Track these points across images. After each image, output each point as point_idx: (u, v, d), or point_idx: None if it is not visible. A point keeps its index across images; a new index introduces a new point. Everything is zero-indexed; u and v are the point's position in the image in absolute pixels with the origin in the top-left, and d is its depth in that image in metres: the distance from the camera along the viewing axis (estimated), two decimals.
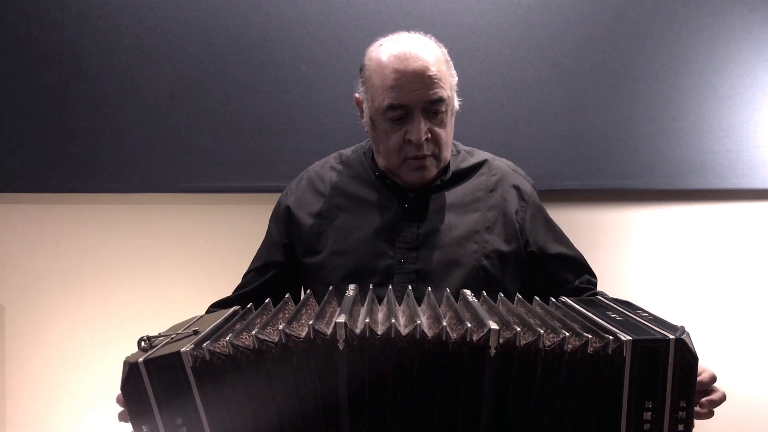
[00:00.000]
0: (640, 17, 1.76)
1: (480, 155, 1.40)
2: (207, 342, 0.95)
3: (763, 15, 1.76)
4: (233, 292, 1.40)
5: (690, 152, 1.78)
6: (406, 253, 1.26)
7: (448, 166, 1.34)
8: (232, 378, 0.94)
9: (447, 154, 1.31)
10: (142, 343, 1.02)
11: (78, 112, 1.76)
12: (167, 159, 1.76)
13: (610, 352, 0.91)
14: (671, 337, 0.92)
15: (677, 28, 1.77)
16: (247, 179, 1.77)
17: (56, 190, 1.79)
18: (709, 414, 1.03)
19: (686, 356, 0.92)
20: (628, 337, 0.91)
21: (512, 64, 1.76)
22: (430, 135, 1.23)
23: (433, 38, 1.28)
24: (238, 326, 1.02)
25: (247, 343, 0.94)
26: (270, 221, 1.42)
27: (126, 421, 1.03)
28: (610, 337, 0.92)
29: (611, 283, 1.82)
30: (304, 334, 0.93)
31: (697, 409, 1.00)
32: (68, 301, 1.83)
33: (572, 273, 1.37)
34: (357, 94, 1.32)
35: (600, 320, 1.00)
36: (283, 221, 1.37)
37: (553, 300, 1.13)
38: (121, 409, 1.05)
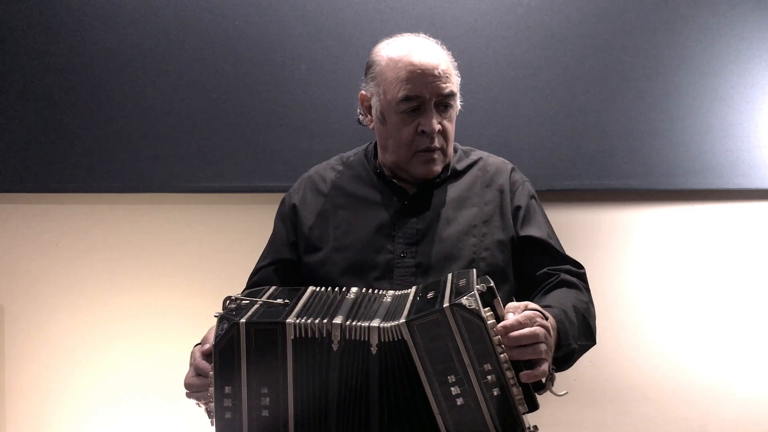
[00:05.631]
0: (640, 17, 1.76)
1: (476, 153, 1.43)
2: (305, 317, 0.96)
3: (763, 15, 1.76)
4: (245, 289, 1.39)
5: (690, 152, 1.77)
6: (406, 248, 1.28)
7: (448, 164, 1.36)
8: (325, 356, 0.96)
9: (452, 150, 1.35)
10: (228, 302, 1.00)
11: (78, 112, 1.76)
12: (167, 159, 1.76)
13: (395, 339, 0.94)
14: (445, 305, 0.91)
15: (677, 28, 1.77)
16: (247, 179, 1.77)
17: (56, 190, 1.79)
18: (541, 374, 0.97)
19: (468, 319, 0.91)
20: (400, 321, 0.93)
21: (512, 64, 1.76)
22: (440, 127, 1.28)
23: (438, 41, 1.32)
24: (325, 307, 1.03)
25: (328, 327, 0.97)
26: (276, 220, 1.43)
27: (193, 395, 1.05)
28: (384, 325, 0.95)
29: (611, 283, 1.82)
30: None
31: (525, 373, 0.95)
32: (68, 301, 1.83)
33: (541, 257, 1.32)
34: (363, 92, 1.34)
35: (408, 306, 1.00)
36: (289, 220, 1.39)
37: (401, 291, 1.13)
38: (192, 380, 1.06)
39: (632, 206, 1.84)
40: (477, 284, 0.97)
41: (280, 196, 1.44)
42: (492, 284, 0.98)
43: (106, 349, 1.82)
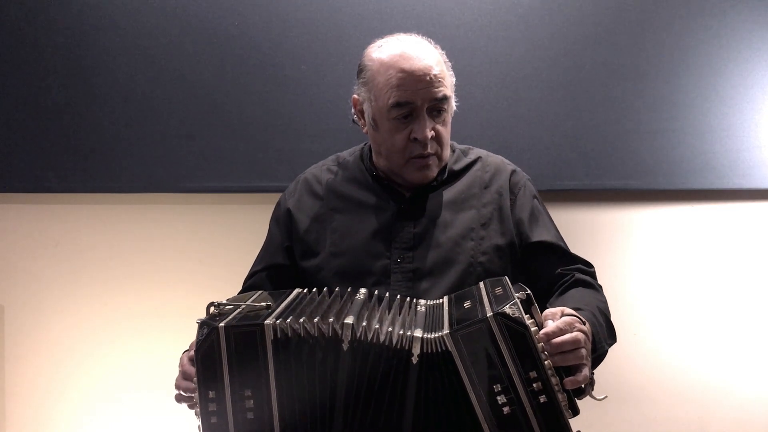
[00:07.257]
0: (640, 17, 1.76)
1: (474, 153, 1.41)
2: (288, 318, 0.96)
3: (763, 15, 1.76)
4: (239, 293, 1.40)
5: (690, 152, 1.77)
6: (403, 253, 1.27)
7: (445, 165, 1.34)
8: (306, 357, 0.96)
9: (447, 153, 1.32)
10: (212, 309, 1.01)
11: (78, 112, 1.76)
12: (167, 159, 1.76)
13: (439, 350, 0.94)
14: (489, 314, 0.91)
15: (677, 28, 1.77)
16: (247, 179, 1.77)
17: (56, 190, 1.78)
18: (583, 380, 0.98)
19: (512, 327, 0.90)
20: (443, 332, 0.93)
21: (512, 63, 1.76)
22: (434, 133, 1.25)
23: (431, 41, 1.30)
24: (309, 308, 1.02)
25: (323, 327, 0.97)
26: (271, 223, 1.42)
27: (182, 399, 1.06)
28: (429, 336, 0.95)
29: (611, 283, 1.82)
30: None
31: (569, 379, 0.96)
32: (68, 301, 1.83)
33: (552, 259, 1.32)
34: (355, 96, 1.33)
35: (447, 316, 1.00)
36: (284, 224, 1.37)
37: (433, 301, 1.13)
38: (180, 384, 1.07)
39: (632, 206, 1.84)
40: (516, 292, 0.97)
41: (280, 196, 1.44)
42: (529, 291, 0.98)
43: (106, 349, 1.82)
